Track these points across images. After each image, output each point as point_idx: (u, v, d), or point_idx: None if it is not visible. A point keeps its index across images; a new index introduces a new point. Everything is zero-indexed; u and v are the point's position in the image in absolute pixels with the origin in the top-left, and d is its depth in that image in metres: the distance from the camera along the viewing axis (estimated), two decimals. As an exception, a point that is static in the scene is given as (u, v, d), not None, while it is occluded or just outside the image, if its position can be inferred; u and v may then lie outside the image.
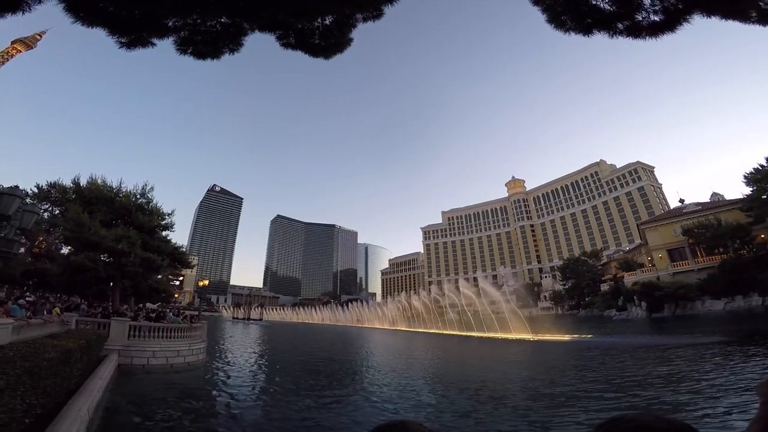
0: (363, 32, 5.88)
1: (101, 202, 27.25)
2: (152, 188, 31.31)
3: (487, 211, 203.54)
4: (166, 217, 32.03)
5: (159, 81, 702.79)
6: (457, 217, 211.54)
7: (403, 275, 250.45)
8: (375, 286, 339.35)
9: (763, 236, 44.51)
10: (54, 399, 6.41)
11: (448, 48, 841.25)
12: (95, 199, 27.17)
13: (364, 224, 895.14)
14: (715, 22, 4.43)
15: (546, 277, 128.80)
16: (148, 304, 41.12)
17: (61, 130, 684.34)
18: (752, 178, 43.65)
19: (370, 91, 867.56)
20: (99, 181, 28.99)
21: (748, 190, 45.14)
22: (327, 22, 5.82)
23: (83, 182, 28.70)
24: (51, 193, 30.07)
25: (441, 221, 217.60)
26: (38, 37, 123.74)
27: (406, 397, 12.37)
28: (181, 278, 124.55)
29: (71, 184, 29.00)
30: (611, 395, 11.52)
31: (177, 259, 35.09)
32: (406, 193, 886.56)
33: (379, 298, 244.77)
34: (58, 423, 5.46)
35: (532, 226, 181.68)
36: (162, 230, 32.62)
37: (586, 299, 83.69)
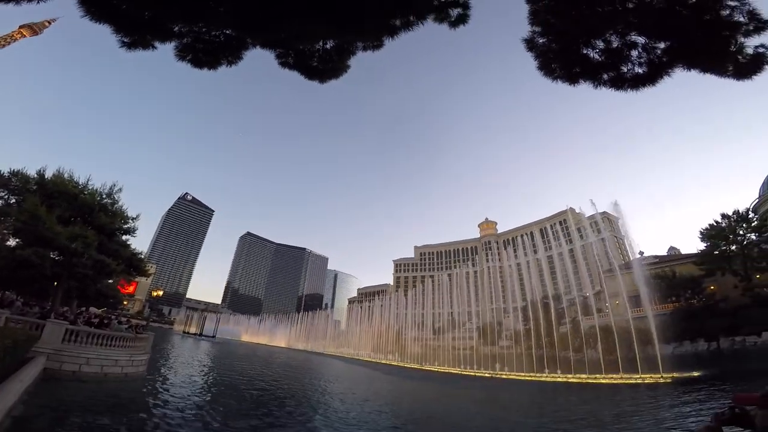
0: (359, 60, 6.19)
1: (63, 197, 25.86)
2: (120, 189, 30.30)
3: (458, 249, 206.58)
4: (130, 221, 30.94)
5: (140, 82, 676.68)
6: (429, 253, 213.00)
7: (370, 305, 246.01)
8: (341, 313, 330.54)
9: (712, 287, 48.46)
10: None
11: (429, 81, 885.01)
12: (57, 193, 25.81)
13: (336, 250, 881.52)
14: (689, 75, 4.81)
15: (508, 317, 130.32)
16: (92, 309, 38.25)
17: (28, 123, 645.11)
18: (707, 234, 47.76)
19: (354, 116, 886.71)
20: (66, 175, 27.68)
21: (702, 245, 49.03)
22: (327, 46, 6.07)
23: (49, 174, 27.21)
24: (11, 180, 28.10)
25: (413, 255, 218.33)
26: (47, 24, 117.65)
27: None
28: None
29: (35, 175, 27.43)
30: None
31: (133, 265, 33.43)
32: (379, 224, 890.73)
33: (343, 326, 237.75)
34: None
35: (500, 267, 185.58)
36: (123, 234, 31.20)
37: (545, 340, 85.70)
